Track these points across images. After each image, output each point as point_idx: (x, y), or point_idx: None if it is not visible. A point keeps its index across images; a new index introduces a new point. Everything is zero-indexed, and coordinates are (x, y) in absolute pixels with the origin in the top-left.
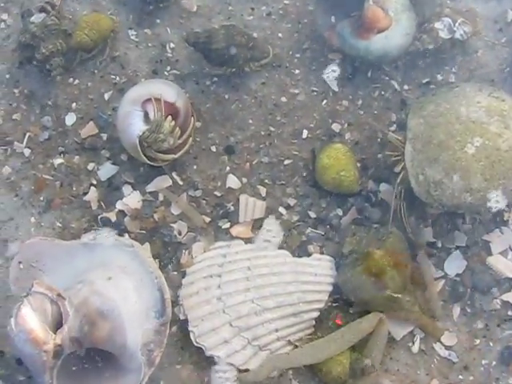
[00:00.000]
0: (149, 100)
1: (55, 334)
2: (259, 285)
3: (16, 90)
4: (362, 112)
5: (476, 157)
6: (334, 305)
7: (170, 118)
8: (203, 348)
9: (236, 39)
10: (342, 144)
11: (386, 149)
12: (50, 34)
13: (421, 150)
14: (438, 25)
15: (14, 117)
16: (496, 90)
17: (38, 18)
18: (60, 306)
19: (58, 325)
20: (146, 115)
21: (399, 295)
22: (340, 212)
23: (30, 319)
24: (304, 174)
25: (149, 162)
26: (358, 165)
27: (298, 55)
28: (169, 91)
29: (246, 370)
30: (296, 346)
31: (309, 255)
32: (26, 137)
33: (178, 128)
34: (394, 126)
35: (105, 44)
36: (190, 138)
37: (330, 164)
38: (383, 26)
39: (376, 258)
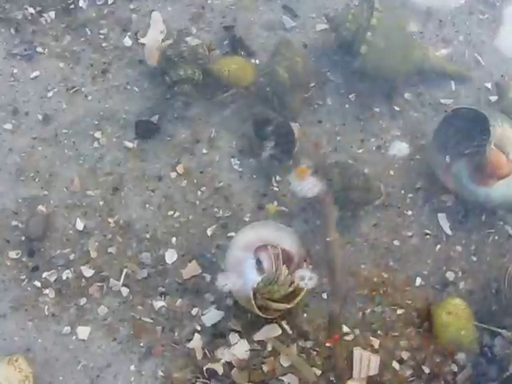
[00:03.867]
0: (263, 246)
1: None
2: None
3: (111, 220)
4: (475, 259)
5: None
6: None
7: (285, 268)
8: None
9: (352, 182)
10: (460, 299)
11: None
12: (194, 61)
13: None
14: None
15: (110, 250)
16: None
17: (193, 41)
18: None
19: None
20: (259, 262)
21: None
22: (455, 368)
23: None
24: (417, 325)
25: (261, 314)
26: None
27: (410, 195)
28: (284, 238)
29: None
30: None
31: None
32: (123, 274)
33: (290, 276)
34: None
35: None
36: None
37: (449, 322)
38: (505, 173)
39: None
